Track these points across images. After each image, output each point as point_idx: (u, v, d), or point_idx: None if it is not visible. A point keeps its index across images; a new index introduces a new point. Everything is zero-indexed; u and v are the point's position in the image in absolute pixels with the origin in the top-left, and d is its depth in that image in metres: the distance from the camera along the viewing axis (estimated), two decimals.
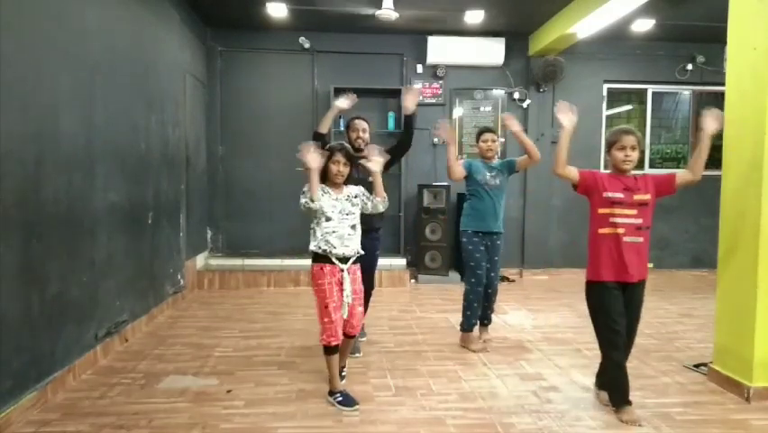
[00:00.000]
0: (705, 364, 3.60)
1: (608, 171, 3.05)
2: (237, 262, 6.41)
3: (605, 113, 7.30)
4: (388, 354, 3.96)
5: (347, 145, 3.25)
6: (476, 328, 4.16)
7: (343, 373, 3.37)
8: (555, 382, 3.43)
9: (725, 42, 3.44)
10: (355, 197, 3.19)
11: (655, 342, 4.31)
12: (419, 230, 6.63)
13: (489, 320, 4.27)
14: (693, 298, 5.92)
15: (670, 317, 5.10)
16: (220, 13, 6.22)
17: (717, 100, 7.23)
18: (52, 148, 3.12)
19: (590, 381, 3.44)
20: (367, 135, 4.04)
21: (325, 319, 3.03)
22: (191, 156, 5.91)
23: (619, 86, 7.34)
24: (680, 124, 7.48)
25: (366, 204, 3.21)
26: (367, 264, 3.56)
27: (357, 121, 4.04)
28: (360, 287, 3.18)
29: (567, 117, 2.97)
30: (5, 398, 2.70)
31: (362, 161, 3.27)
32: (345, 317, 3.08)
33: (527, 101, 7.03)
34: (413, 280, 6.61)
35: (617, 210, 2.89)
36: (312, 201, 2.97)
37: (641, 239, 2.91)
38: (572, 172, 2.97)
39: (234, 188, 6.87)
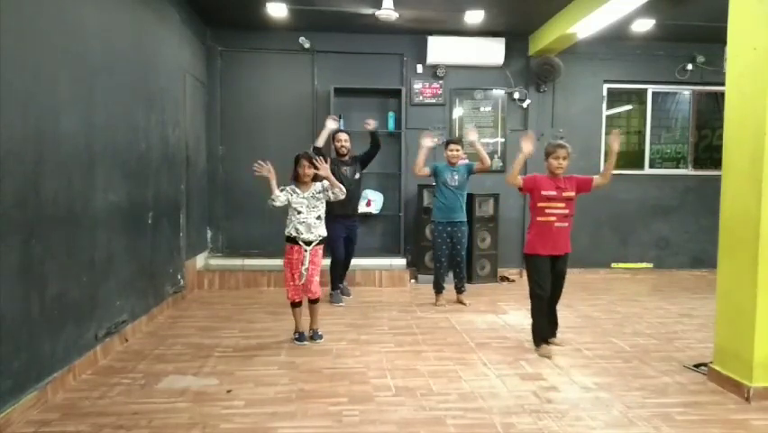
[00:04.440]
0: (705, 364, 3.59)
1: (544, 174, 3.99)
2: (237, 262, 6.41)
3: (605, 113, 7.30)
4: (388, 354, 3.96)
5: (309, 152, 4.26)
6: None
7: (320, 333, 4.27)
8: (555, 382, 3.43)
9: (725, 42, 3.44)
10: (319, 192, 4.14)
11: (655, 342, 4.31)
12: (419, 230, 6.64)
13: (464, 288, 5.62)
14: (693, 298, 5.92)
15: (670, 317, 5.10)
16: (220, 13, 6.22)
17: (717, 100, 7.26)
18: (52, 148, 3.12)
19: (591, 381, 3.45)
20: (348, 144, 5.52)
21: (290, 284, 4.14)
22: (191, 156, 5.90)
23: (619, 86, 7.34)
24: (680, 124, 7.48)
25: (329, 194, 4.13)
26: (350, 240, 5.56)
27: (340, 134, 5.53)
28: (318, 260, 4.16)
29: (528, 145, 3.92)
30: (5, 398, 2.71)
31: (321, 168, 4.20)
32: (303, 282, 4.07)
33: (527, 101, 7.03)
34: (413, 281, 6.61)
35: (551, 204, 3.90)
36: (274, 201, 4.07)
37: (566, 224, 3.94)
38: (519, 181, 4.00)
39: (234, 188, 6.86)
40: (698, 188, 7.28)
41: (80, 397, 3.12)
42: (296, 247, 4.06)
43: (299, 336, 4.19)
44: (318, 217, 4.11)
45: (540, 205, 3.93)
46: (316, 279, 4.15)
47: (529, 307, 5.09)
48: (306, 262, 4.04)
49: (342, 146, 5.46)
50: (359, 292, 5.91)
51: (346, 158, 5.54)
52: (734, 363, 3.29)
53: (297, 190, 4.10)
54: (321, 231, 4.14)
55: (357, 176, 5.60)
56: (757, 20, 3.15)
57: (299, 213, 4.05)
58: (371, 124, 5.57)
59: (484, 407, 3.05)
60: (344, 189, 4.19)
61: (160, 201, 4.86)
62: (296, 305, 4.18)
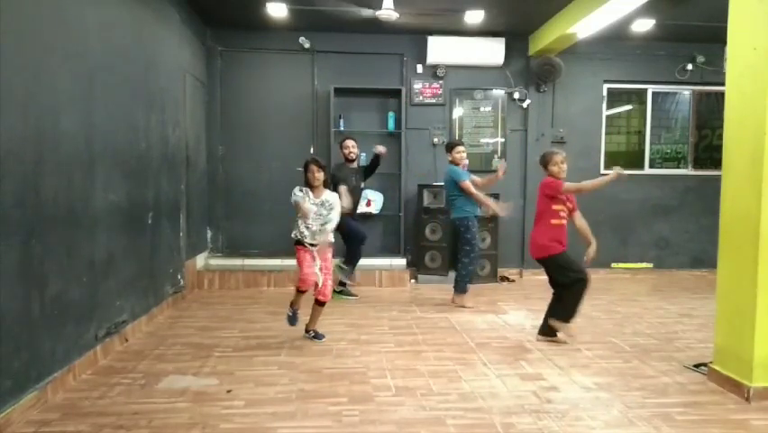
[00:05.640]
0: (705, 364, 3.59)
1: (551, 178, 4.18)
2: (237, 262, 6.41)
3: (605, 113, 7.30)
4: (388, 354, 3.96)
5: (317, 157, 4.32)
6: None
7: (321, 333, 4.30)
8: (555, 382, 3.42)
9: (725, 42, 3.44)
10: (329, 203, 4.17)
11: (655, 342, 4.31)
12: (419, 230, 6.63)
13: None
14: (693, 298, 5.93)
15: (670, 317, 5.10)
16: (220, 13, 6.22)
17: (717, 100, 7.25)
18: (52, 148, 3.12)
19: (591, 381, 3.45)
20: (356, 150, 5.71)
21: (301, 273, 4.14)
22: (191, 156, 5.90)
23: (619, 86, 7.34)
24: (680, 124, 7.48)
25: (328, 213, 4.16)
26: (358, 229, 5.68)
27: (348, 141, 5.73)
28: (329, 265, 4.26)
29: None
30: (5, 398, 2.70)
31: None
32: (320, 286, 4.13)
33: (527, 101, 7.03)
34: (413, 281, 6.61)
35: (563, 206, 4.20)
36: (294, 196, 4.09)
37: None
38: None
39: (234, 188, 6.86)
40: (698, 188, 7.27)
41: (80, 397, 3.12)
42: (302, 248, 4.15)
43: (293, 313, 4.24)
44: (323, 224, 4.13)
45: (555, 208, 4.17)
46: (329, 282, 4.23)
47: (530, 307, 5.12)
48: (319, 261, 4.12)
49: (351, 152, 5.67)
50: (359, 292, 5.91)
51: (353, 164, 5.72)
52: (734, 363, 3.29)
53: (311, 194, 4.14)
54: (324, 238, 4.17)
55: (362, 185, 5.87)
56: (757, 20, 3.15)
57: (306, 218, 4.10)
58: (382, 151, 5.71)
59: (484, 407, 3.05)
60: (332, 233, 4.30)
61: (160, 201, 4.86)
62: (302, 293, 4.19)
